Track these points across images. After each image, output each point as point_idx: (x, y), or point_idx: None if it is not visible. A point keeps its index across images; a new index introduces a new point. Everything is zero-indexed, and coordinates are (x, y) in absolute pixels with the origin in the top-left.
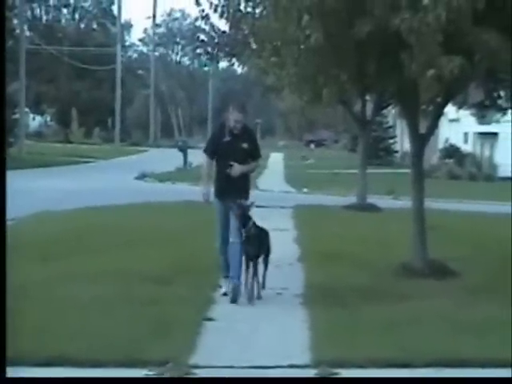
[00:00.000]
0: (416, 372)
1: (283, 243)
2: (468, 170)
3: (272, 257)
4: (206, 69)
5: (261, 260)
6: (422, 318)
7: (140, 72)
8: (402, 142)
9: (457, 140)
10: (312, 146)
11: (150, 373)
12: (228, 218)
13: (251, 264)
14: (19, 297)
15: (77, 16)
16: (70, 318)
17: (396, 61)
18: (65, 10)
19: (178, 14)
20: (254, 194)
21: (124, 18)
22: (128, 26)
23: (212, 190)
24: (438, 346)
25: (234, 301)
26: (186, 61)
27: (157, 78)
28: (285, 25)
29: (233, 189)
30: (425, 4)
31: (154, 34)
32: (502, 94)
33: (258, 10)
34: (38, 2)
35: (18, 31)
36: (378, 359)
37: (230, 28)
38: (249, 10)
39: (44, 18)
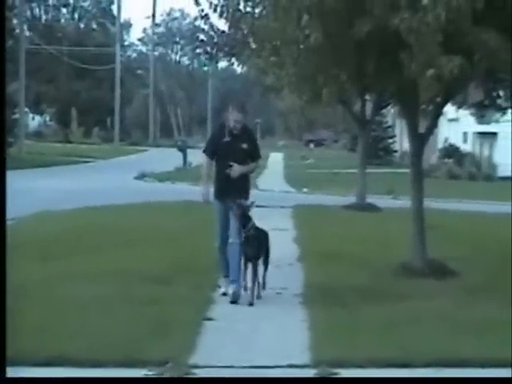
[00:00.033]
0: (416, 372)
1: (283, 243)
2: (467, 169)
3: (272, 257)
4: (205, 68)
5: (260, 261)
6: (422, 318)
7: (139, 72)
8: (402, 142)
9: (456, 140)
10: (312, 145)
11: (150, 373)
12: (228, 218)
13: (251, 265)
14: (19, 296)
15: (76, 16)
16: (70, 317)
17: (395, 60)
18: (64, 10)
19: (177, 14)
20: (253, 194)
21: (123, 17)
22: (127, 26)
23: (211, 190)
24: (437, 346)
25: (233, 302)
26: (185, 60)
27: (156, 77)
28: (284, 24)
29: (232, 189)
30: (424, 4)
31: (154, 33)
32: (501, 93)
33: (257, 10)
34: (38, 1)
35: (17, 31)
36: (378, 359)
37: (230, 28)
38: (248, 9)
39: (43, 17)
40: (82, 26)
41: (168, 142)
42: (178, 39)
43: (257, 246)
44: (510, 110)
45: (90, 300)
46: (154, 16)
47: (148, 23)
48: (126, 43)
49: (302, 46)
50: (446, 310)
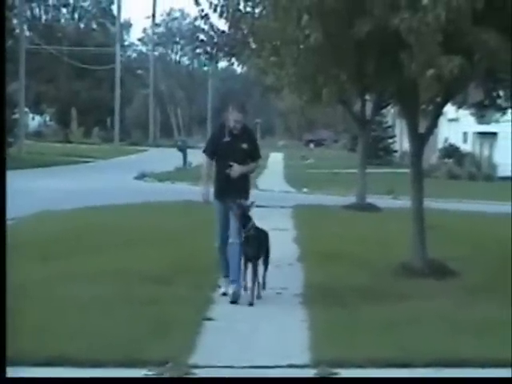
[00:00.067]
0: (415, 372)
1: (283, 243)
2: (467, 169)
3: (272, 257)
4: (205, 68)
5: (260, 261)
6: (422, 318)
7: (139, 72)
8: (402, 142)
9: (456, 140)
10: (311, 145)
11: (150, 373)
12: (228, 218)
13: (251, 265)
14: (19, 296)
15: (76, 16)
16: (70, 317)
17: (395, 60)
18: (64, 10)
19: (177, 14)
20: (253, 194)
21: (123, 17)
22: (127, 26)
23: (211, 190)
24: (437, 346)
25: (233, 302)
26: (185, 60)
27: (156, 77)
28: (284, 24)
29: (232, 189)
30: (424, 4)
31: (154, 33)
32: (501, 93)
33: (257, 10)
34: (38, 1)
35: (17, 31)
36: (378, 359)
37: (230, 28)
38: (248, 9)
39: (43, 17)
40: (82, 25)
41: (168, 142)
42: (178, 39)
43: (257, 245)
44: (510, 110)
45: (90, 300)
46: (153, 16)
47: (148, 23)
48: (126, 43)
49: (301, 46)
50: (446, 310)
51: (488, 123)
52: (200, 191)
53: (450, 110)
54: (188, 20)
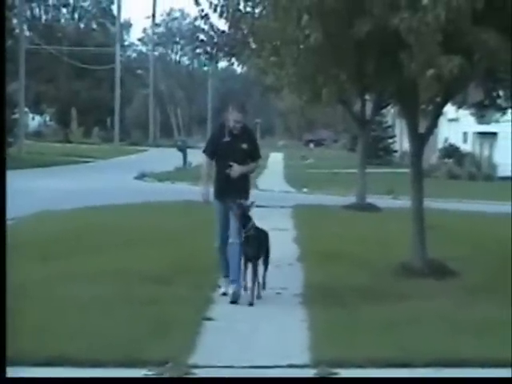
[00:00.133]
0: (415, 372)
1: (283, 243)
2: (467, 169)
3: (271, 256)
4: (205, 68)
5: (260, 261)
6: (422, 318)
7: (139, 72)
8: (402, 142)
9: (456, 140)
10: (311, 145)
11: (150, 373)
12: (227, 218)
13: (251, 265)
14: (19, 296)
15: (76, 16)
16: (70, 317)
17: (395, 60)
18: (64, 10)
19: (177, 14)
20: (253, 194)
21: (123, 17)
22: (127, 26)
23: (211, 190)
24: (437, 346)
25: (233, 302)
26: (185, 60)
27: (156, 77)
28: (284, 24)
29: (232, 189)
30: (424, 4)
31: (154, 33)
32: (501, 93)
33: (257, 10)
34: (38, 1)
35: (17, 31)
36: (378, 359)
37: (230, 28)
38: (248, 9)
39: (43, 17)
40: (81, 25)
41: (168, 141)
42: (177, 39)
43: (257, 246)
44: (509, 110)
45: (90, 300)
46: (153, 16)
47: (148, 23)
48: (126, 43)
49: (301, 46)
50: (446, 310)
51: (488, 123)
52: (200, 191)
53: (449, 109)
54: (188, 20)
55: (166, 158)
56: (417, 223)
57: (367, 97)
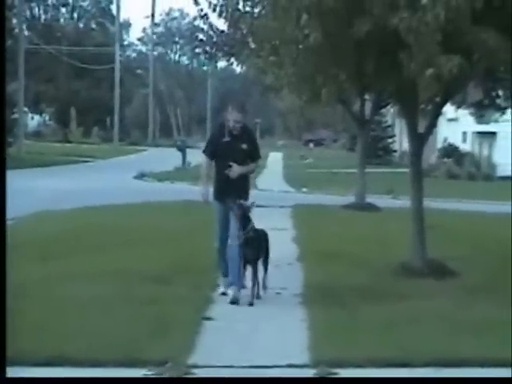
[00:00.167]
0: (415, 372)
1: (282, 243)
2: (467, 169)
3: (271, 256)
4: (204, 68)
5: (260, 262)
6: (421, 318)
7: (139, 71)
8: (401, 142)
9: (455, 139)
10: (311, 145)
11: (149, 373)
12: (227, 218)
13: (250, 266)
14: (19, 296)
15: (75, 15)
16: (70, 317)
17: (395, 60)
18: (63, 10)
19: (176, 14)
20: (252, 194)
21: (123, 17)
22: (127, 26)
23: (211, 189)
24: (437, 346)
25: (233, 303)
26: (184, 60)
27: (155, 77)
28: (283, 24)
29: (232, 189)
30: (423, 3)
31: (153, 33)
32: (500, 93)
33: (256, 10)
34: (37, 1)
35: (16, 31)
36: (377, 359)
37: (229, 27)
38: (247, 9)
39: (43, 17)
40: (81, 25)
41: (167, 141)
42: (177, 39)
43: (256, 247)
44: (509, 110)
45: (90, 300)
46: (153, 16)
47: (147, 23)
48: (126, 43)
49: (301, 46)
50: (446, 310)
51: (487, 123)
52: (200, 191)
53: (449, 109)
54: (187, 20)
55: (165, 157)
56: (416, 223)
57: (367, 96)
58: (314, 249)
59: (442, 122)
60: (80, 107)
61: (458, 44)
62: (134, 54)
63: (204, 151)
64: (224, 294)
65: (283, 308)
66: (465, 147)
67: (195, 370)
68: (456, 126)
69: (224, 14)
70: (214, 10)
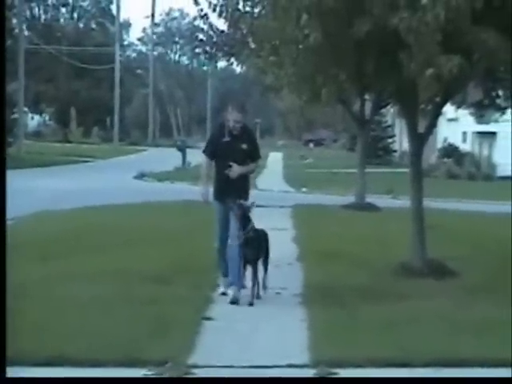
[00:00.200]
0: (415, 372)
1: (282, 243)
2: (467, 169)
3: (271, 256)
4: (204, 68)
5: (260, 262)
6: (421, 318)
7: (139, 71)
8: (401, 142)
9: (455, 139)
10: (311, 145)
11: (149, 373)
12: (227, 218)
13: (250, 266)
14: (19, 296)
15: (75, 15)
16: (70, 317)
17: (395, 60)
18: (63, 10)
19: (176, 14)
20: (252, 194)
21: (123, 17)
22: (127, 26)
23: (211, 189)
24: (437, 346)
25: (233, 303)
26: (184, 60)
27: (155, 77)
28: (283, 24)
29: (232, 189)
30: (423, 3)
31: (153, 33)
32: (500, 93)
33: (256, 10)
34: (37, 1)
35: (16, 31)
36: (377, 359)
37: (229, 27)
38: (247, 9)
39: (43, 17)
40: (81, 25)
41: (167, 141)
42: (177, 39)
43: (256, 247)
44: (509, 110)
45: (90, 300)
46: (153, 16)
47: (147, 23)
48: (126, 43)
49: (301, 46)
50: (446, 310)
51: (487, 123)
52: (200, 191)
53: (449, 109)
54: (187, 20)
55: (165, 157)
56: (416, 223)
57: (366, 96)
58: (313, 249)
59: (442, 122)
60: (80, 107)
61: (458, 44)
62: (134, 54)
63: (204, 151)
64: (224, 294)
65: (283, 308)
66: (465, 147)
67: (195, 370)
68: (456, 126)
69: (224, 14)
70: (214, 10)
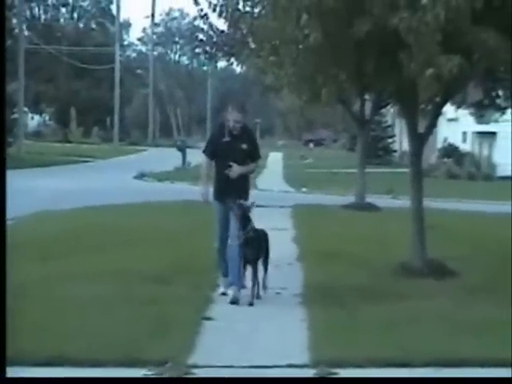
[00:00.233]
0: (415, 372)
1: (282, 243)
2: (467, 169)
3: (271, 256)
4: (204, 68)
5: (260, 262)
6: (421, 318)
7: (139, 71)
8: (401, 142)
9: (455, 139)
10: (311, 145)
11: (149, 373)
12: (227, 218)
13: (250, 266)
14: (19, 296)
15: (75, 15)
16: (70, 317)
17: (395, 60)
18: (63, 10)
19: (176, 14)
20: (252, 194)
21: (123, 17)
22: (127, 26)
23: (211, 189)
24: (436, 346)
25: (233, 303)
26: (184, 60)
27: (155, 77)
28: (283, 24)
29: (232, 189)
30: (423, 3)
31: (153, 33)
32: (500, 93)
33: (256, 10)
34: (37, 1)
35: (16, 31)
36: (377, 359)
37: (229, 27)
38: (247, 9)
39: (43, 17)
40: (81, 25)
41: (167, 141)
42: (177, 39)
43: (256, 247)
44: (509, 110)
45: (90, 300)
46: (153, 16)
47: (147, 23)
48: (126, 43)
49: (301, 46)
50: (446, 310)
51: (487, 123)
52: (200, 191)
53: (449, 109)
54: (187, 20)
55: (165, 157)
56: (416, 223)
57: (366, 96)
58: (313, 249)
59: (442, 122)
60: (80, 107)
61: (458, 44)
62: (134, 54)
63: (204, 151)
64: (224, 294)
65: (283, 308)
66: (465, 147)
67: (195, 370)
68: (456, 126)
69: (224, 14)
70: (214, 10)
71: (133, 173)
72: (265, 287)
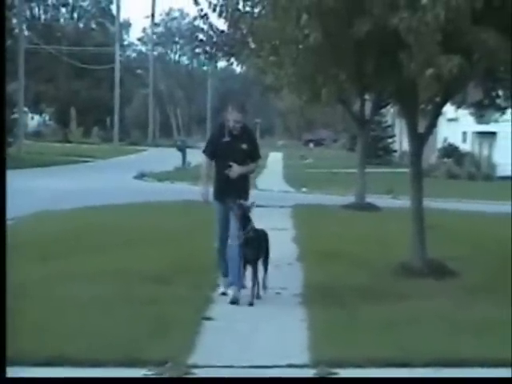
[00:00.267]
0: (415, 372)
1: (282, 243)
2: (467, 169)
3: (271, 256)
4: (204, 68)
5: (260, 262)
6: (421, 318)
7: (139, 71)
8: (401, 142)
9: (455, 139)
10: (311, 145)
11: (149, 373)
12: (227, 218)
13: (250, 266)
14: (19, 296)
15: (75, 15)
16: (70, 317)
17: (395, 60)
18: (63, 10)
19: (176, 14)
20: (252, 194)
21: (123, 17)
22: (127, 26)
23: (211, 189)
24: (437, 346)
25: (233, 303)
26: (184, 60)
27: (155, 77)
28: (283, 24)
29: (232, 189)
30: (423, 3)
31: (153, 33)
32: (500, 93)
33: (256, 10)
34: (37, 1)
35: (16, 31)
36: (377, 359)
37: (229, 27)
38: (247, 9)
39: (43, 17)
40: (81, 25)
41: (167, 141)
42: (177, 39)
43: (256, 247)
44: (509, 110)
45: (90, 300)
46: (153, 16)
47: (147, 23)
48: (126, 43)
49: (301, 46)
50: (446, 310)
51: (487, 123)
52: (200, 191)
53: (449, 109)
54: (187, 20)
55: (165, 157)
56: (416, 223)
57: (366, 96)
58: (313, 249)
59: (442, 122)
60: (80, 107)
61: (458, 44)
62: (134, 54)
63: (204, 151)
64: (224, 293)
65: (283, 308)
66: (465, 147)
67: (195, 370)
68: (456, 126)
69: (224, 14)
70: (214, 10)
71: (133, 173)
72: (265, 287)
